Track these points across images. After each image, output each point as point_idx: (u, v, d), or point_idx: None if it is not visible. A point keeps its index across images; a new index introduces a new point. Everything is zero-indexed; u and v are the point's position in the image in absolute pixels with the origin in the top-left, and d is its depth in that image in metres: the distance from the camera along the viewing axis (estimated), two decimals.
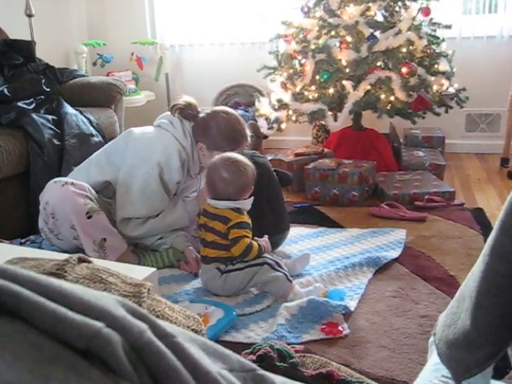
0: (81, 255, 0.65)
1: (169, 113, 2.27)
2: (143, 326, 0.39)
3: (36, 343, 0.36)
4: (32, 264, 0.61)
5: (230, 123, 2.17)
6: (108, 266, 0.75)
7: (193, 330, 0.59)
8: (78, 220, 1.99)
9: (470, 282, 0.63)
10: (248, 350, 1.20)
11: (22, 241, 2.37)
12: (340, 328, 1.70)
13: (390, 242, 2.41)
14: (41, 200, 2.09)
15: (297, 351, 1.20)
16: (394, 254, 2.27)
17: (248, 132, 2.22)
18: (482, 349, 0.66)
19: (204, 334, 0.61)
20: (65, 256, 0.63)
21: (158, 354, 0.38)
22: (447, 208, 2.85)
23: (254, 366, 0.46)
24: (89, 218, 2.01)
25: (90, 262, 0.65)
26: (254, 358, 1.07)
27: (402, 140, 3.89)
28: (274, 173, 2.36)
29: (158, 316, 0.57)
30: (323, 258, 2.28)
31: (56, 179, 2.09)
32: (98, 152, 2.29)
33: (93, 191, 2.09)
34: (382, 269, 2.16)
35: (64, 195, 2.01)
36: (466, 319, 0.60)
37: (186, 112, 2.22)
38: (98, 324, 0.37)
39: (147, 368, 0.38)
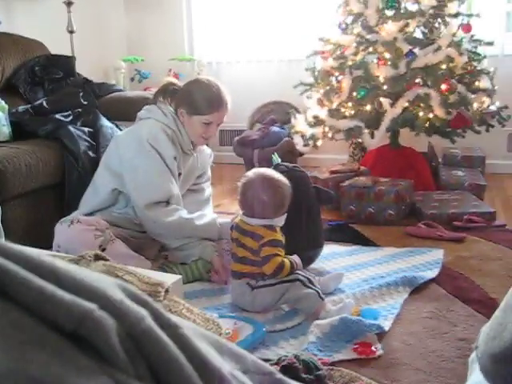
0: (98, 252, 0.63)
1: (146, 106, 2.36)
2: (143, 312, 0.36)
3: (18, 322, 0.33)
4: None
5: (209, 87, 2.23)
6: (131, 269, 0.72)
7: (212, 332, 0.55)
8: None
9: None
10: (273, 362, 1.15)
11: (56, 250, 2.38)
12: (373, 348, 1.64)
13: (426, 261, 2.34)
14: (53, 245, 2.10)
15: (324, 363, 1.15)
16: (431, 274, 2.19)
17: (228, 99, 2.27)
18: None
19: (224, 337, 0.57)
20: None
21: (158, 345, 0.35)
22: (487, 229, 2.75)
23: (272, 369, 0.42)
24: (103, 250, 2.00)
25: (107, 259, 0.63)
26: (278, 368, 1.02)
27: (440, 159, 3.80)
28: (314, 189, 2.32)
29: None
30: (357, 276, 2.22)
31: (62, 219, 2.11)
32: (97, 170, 2.34)
33: (101, 221, 2.09)
34: (418, 289, 2.08)
35: (73, 235, 2.02)
36: None
37: (168, 90, 2.31)
38: (91, 305, 0.34)
39: (146, 359, 0.35)
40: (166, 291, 0.57)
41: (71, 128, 2.63)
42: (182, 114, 2.24)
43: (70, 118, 2.75)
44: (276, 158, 2.34)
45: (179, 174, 2.28)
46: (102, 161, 2.33)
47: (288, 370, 1.03)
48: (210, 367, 0.36)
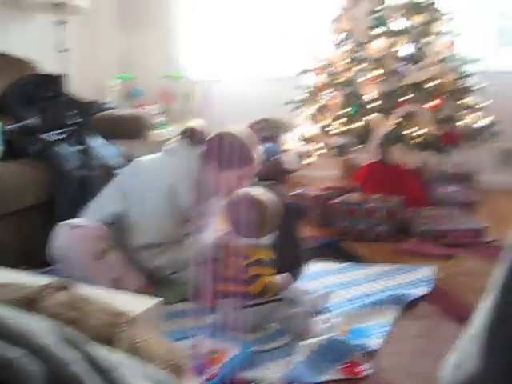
0: (64, 281, 0.62)
1: (176, 139, 2.31)
2: (73, 355, 0.35)
3: None
4: (14, 288, 0.59)
5: (240, 141, 2.19)
6: (111, 295, 0.71)
7: (173, 364, 0.54)
8: (88, 262, 1.98)
9: (480, 319, 0.58)
10: None
11: (44, 270, 2.37)
12: (361, 368, 1.62)
13: (417, 279, 2.33)
14: (52, 246, 2.08)
15: None
16: (421, 291, 2.18)
17: (259, 149, 2.25)
18: None
19: (186, 369, 0.57)
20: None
21: None
22: (477, 245, 2.75)
23: None
24: (100, 258, 2.00)
25: (73, 288, 0.62)
26: None
27: (431, 175, 3.80)
28: (288, 205, 2.30)
29: (136, 348, 0.53)
30: (346, 294, 2.20)
31: (65, 222, 2.09)
32: (109, 184, 2.30)
33: (105, 229, 2.08)
34: (408, 307, 2.07)
35: (73, 238, 2.01)
36: (476, 359, 0.54)
37: (196, 137, 2.25)
38: (15, 352, 0.33)
39: None
40: (130, 321, 0.56)
41: (61, 147, 2.62)
42: (211, 168, 2.21)
43: (61, 136, 2.74)
44: None
45: (187, 220, 2.25)
46: (115, 181, 2.29)
47: None
48: None
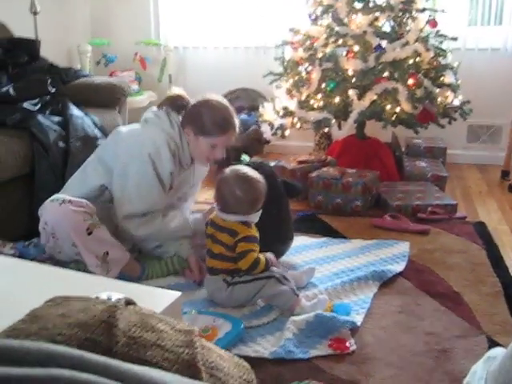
0: (127, 298, 0.64)
1: (154, 107, 2.30)
2: None
3: None
4: (78, 307, 0.59)
5: (219, 109, 2.19)
6: (138, 292, 0.73)
7: (245, 379, 0.58)
8: (78, 238, 1.99)
9: None
10: None
11: (26, 243, 2.36)
12: (347, 344, 1.70)
13: (394, 254, 2.41)
14: (40, 219, 2.08)
15: None
16: (399, 267, 2.27)
17: (237, 122, 2.23)
18: None
19: (255, 382, 0.60)
20: (105, 293, 0.62)
21: None
22: (450, 221, 2.85)
23: None
24: (89, 234, 2.01)
25: (134, 303, 0.64)
26: None
27: (403, 149, 3.89)
28: (282, 183, 2.35)
29: (212, 368, 0.55)
30: (328, 269, 2.27)
31: (53, 197, 2.09)
32: (90, 157, 2.30)
33: (91, 205, 2.09)
34: (386, 283, 2.16)
35: (62, 214, 2.00)
36: None
37: (176, 103, 2.25)
38: None
39: None
40: (199, 336, 0.59)
41: (40, 117, 2.57)
42: (188, 133, 2.20)
43: (39, 106, 2.69)
44: (245, 158, 2.37)
45: (170, 187, 2.25)
46: (97, 153, 2.28)
47: None
48: None
